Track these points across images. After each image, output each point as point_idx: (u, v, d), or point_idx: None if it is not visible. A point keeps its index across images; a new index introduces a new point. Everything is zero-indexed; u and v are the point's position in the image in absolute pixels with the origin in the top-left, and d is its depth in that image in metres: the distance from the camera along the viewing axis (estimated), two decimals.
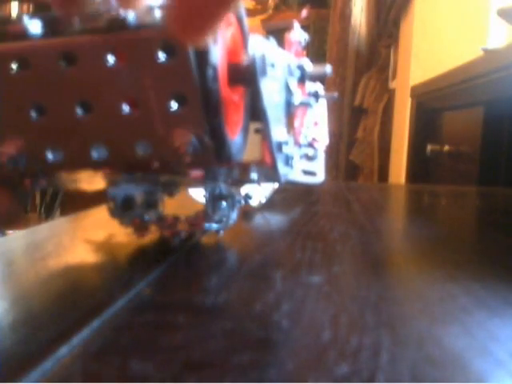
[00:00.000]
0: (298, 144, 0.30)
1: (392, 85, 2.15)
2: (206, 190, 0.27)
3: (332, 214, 0.44)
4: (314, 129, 0.33)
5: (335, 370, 0.14)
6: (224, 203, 0.27)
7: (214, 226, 0.28)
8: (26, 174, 0.21)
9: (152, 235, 0.29)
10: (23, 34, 0.18)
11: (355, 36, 2.27)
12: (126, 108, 0.19)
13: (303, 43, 0.32)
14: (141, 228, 0.28)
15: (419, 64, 1.75)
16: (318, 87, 0.29)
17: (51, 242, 0.32)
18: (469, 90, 0.99)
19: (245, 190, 0.31)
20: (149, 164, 0.20)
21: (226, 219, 0.28)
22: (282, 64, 0.24)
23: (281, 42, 0.27)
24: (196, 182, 0.28)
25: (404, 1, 1.90)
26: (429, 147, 1.22)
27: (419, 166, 1.37)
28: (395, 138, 2.02)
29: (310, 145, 0.32)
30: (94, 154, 0.19)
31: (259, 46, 0.20)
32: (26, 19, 0.18)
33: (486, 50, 1.05)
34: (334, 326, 0.17)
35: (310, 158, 0.29)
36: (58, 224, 0.44)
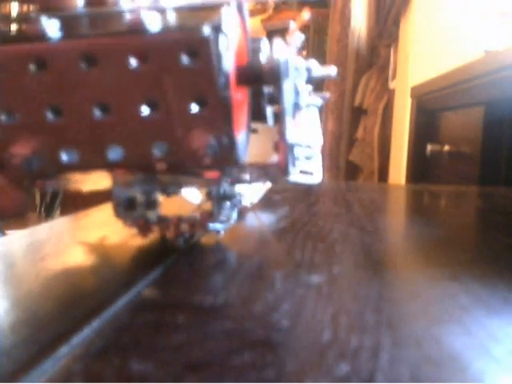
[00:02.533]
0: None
1: (392, 85, 2.15)
2: (211, 190, 0.27)
3: (332, 214, 0.44)
4: (310, 129, 0.33)
5: (335, 370, 0.14)
6: (228, 203, 0.27)
7: (218, 225, 0.28)
8: (38, 176, 0.21)
9: (152, 235, 0.29)
10: (41, 35, 0.18)
11: (355, 36, 2.27)
12: (145, 110, 0.19)
13: (300, 45, 0.32)
14: (144, 228, 0.28)
15: (419, 64, 1.75)
16: (308, 87, 0.29)
17: (51, 242, 0.33)
18: (469, 90, 0.99)
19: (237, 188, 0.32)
20: (165, 165, 0.20)
21: (228, 219, 0.28)
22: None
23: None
24: (199, 182, 0.28)
25: (404, 1, 1.90)
26: (429, 147, 1.22)
27: (419, 166, 1.37)
28: (395, 138, 2.02)
29: (307, 145, 0.32)
30: (110, 155, 0.19)
31: (282, 49, 0.20)
32: (43, 20, 0.18)
33: (487, 51, 1.05)
34: (333, 325, 0.17)
35: (307, 158, 0.29)
36: (58, 224, 0.44)
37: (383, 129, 2.17)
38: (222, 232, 0.28)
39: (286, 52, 0.20)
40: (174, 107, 0.18)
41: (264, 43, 0.26)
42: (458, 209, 0.53)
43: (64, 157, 0.19)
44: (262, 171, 0.24)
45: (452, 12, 1.71)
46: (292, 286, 0.22)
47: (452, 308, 0.19)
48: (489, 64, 0.91)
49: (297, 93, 0.25)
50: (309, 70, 0.26)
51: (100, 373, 0.14)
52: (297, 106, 0.25)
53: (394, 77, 2.12)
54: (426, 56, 1.74)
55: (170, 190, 0.27)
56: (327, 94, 0.33)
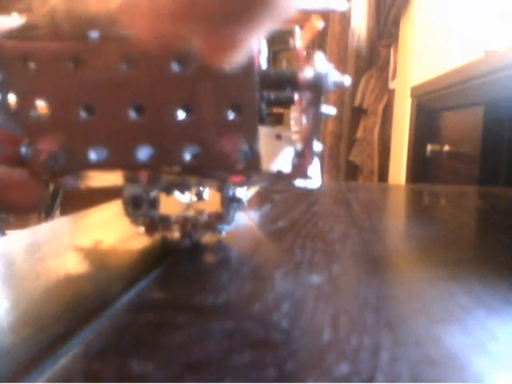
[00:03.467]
0: None
1: (392, 85, 2.15)
2: (222, 192, 0.27)
3: (332, 214, 0.44)
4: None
5: (335, 370, 0.14)
6: (236, 205, 0.27)
7: (226, 227, 0.28)
8: (61, 172, 0.21)
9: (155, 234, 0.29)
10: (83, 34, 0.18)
11: (355, 36, 2.27)
12: (180, 113, 0.19)
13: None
14: (151, 227, 0.28)
15: (419, 64, 1.75)
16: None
17: (51, 242, 0.33)
18: (469, 90, 0.99)
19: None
20: (193, 168, 0.20)
21: (233, 220, 0.28)
22: None
23: (283, 44, 0.27)
24: (209, 183, 0.28)
25: (404, 1, 1.91)
26: (429, 147, 1.22)
27: (419, 166, 1.37)
28: (395, 138, 2.02)
29: None
30: (138, 156, 0.19)
31: (323, 61, 0.21)
32: None
33: (487, 51, 1.05)
34: (333, 325, 0.17)
35: None
36: (58, 224, 0.44)
37: (383, 129, 2.17)
38: (224, 232, 0.29)
39: (326, 64, 0.21)
40: (210, 112, 0.19)
41: (263, 45, 0.26)
42: (458, 209, 0.53)
43: (92, 155, 0.19)
44: (279, 176, 0.24)
45: (452, 12, 1.71)
46: (292, 286, 0.22)
47: (452, 308, 0.19)
48: (489, 64, 0.91)
49: None
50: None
51: (100, 373, 0.14)
52: None
53: (394, 77, 2.12)
54: (426, 56, 1.74)
55: (175, 189, 0.27)
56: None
